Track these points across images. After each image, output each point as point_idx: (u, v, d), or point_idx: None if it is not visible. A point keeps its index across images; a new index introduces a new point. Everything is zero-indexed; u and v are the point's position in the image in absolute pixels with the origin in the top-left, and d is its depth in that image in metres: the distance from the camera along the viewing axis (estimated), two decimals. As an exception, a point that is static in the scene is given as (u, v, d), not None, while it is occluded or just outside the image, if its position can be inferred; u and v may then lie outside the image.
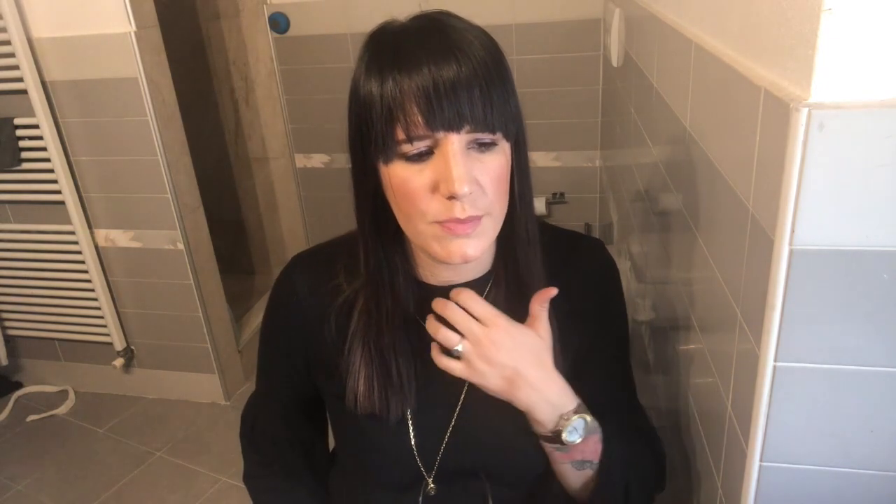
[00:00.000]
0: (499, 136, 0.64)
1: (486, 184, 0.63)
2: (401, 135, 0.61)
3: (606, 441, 0.74)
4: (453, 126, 0.60)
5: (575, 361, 0.78)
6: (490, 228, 0.67)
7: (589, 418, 0.71)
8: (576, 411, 0.71)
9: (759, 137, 0.57)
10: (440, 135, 0.61)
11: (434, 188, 0.62)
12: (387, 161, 0.64)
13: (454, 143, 0.61)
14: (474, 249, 0.65)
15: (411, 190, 0.63)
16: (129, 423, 2.30)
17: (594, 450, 0.74)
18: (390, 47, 0.63)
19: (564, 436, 0.70)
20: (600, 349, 0.82)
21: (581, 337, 0.79)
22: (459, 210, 0.62)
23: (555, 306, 0.73)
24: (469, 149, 0.63)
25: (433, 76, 0.59)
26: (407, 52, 0.61)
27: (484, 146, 0.63)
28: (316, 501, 0.91)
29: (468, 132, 0.61)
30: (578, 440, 0.71)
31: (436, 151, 0.62)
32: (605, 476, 0.74)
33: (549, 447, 0.73)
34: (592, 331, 0.81)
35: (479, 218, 0.64)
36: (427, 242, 0.66)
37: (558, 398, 0.71)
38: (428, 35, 0.63)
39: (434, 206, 0.63)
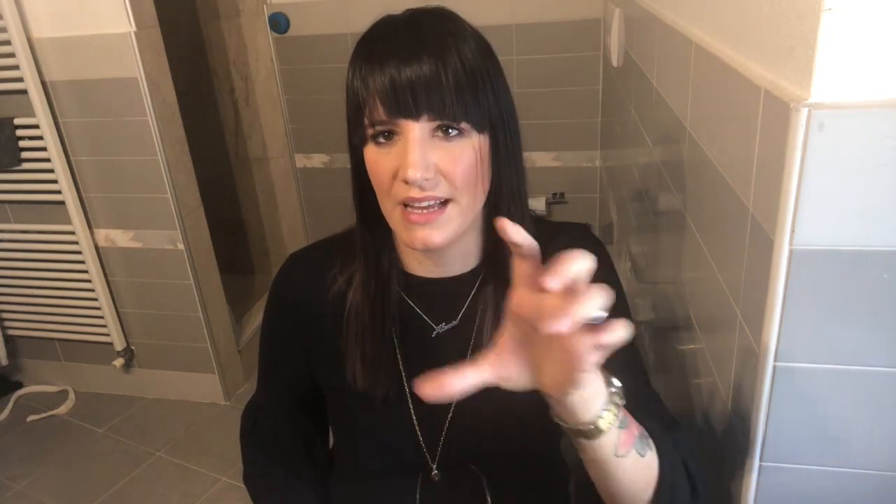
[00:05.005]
0: (465, 126, 0.65)
1: (449, 171, 0.65)
2: (366, 120, 0.65)
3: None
4: (411, 114, 0.63)
5: None
6: (456, 217, 0.67)
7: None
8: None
9: (759, 137, 0.57)
10: (400, 122, 0.63)
11: (397, 172, 0.65)
12: (362, 144, 0.68)
13: (413, 130, 0.63)
14: (438, 238, 0.66)
15: (379, 172, 0.66)
16: (129, 423, 2.30)
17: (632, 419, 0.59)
18: (367, 40, 0.67)
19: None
20: None
21: None
22: (416, 191, 0.64)
23: None
24: (434, 136, 0.65)
25: (395, 66, 0.62)
26: (377, 44, 0.65)
27: (450, 134, 0.65)
28: (317, 501, 0.91)
29: (429, 120, 0.63)
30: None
31: (399, 136, 0.65)
32: (665, 455, 0.61)
33: (610, 436, 0.55)
34: None
35: (442, 206, 0.65)
36: (396, 226, 0.69)
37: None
38: (402, 28, 0.66)
39: (396, 189, 0.65)
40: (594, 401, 0.53)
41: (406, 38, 0.64)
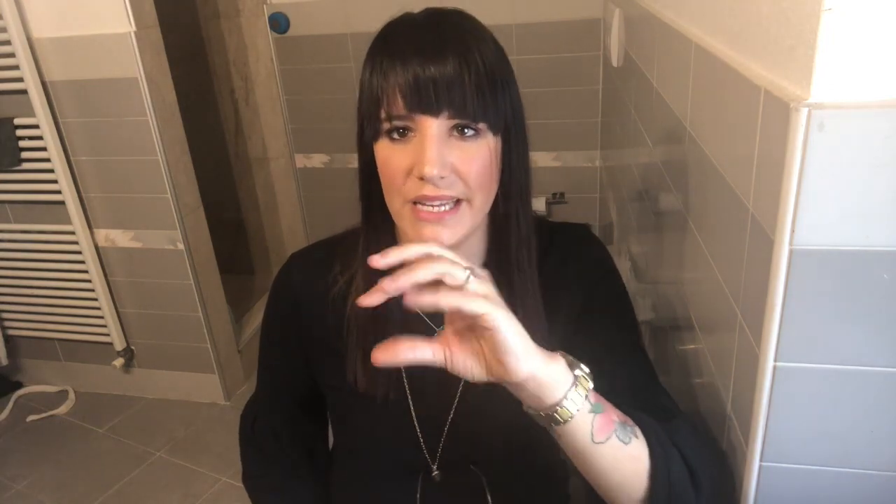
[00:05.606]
0: (482, 126, 0.65)
1: (464, 171, 0.64)
2: (383, 114, 0.64)
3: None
4: (431, 110, 0.62)
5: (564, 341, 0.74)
6: (467, 217, 0.67)
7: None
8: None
9: (759, 137, 0.57)
10: (419, 117, 0.63)
11: (411, 169, 0.64)
12: (375, 139, 0.67)
13: (431, 126, 0.63)
14: (448, 237, 0.66)
15: (392, 168, 0.65)
16: (129, 423, 2.30)
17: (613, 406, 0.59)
18: (387, 37, 0.67)
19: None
20: (600, 331, 0.75)
21: (569, 320, 0.76)
22: (429, 189, 0.63)
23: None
24: (451, 136, 0.64)
25: (419, 63, 0.62)
26: (399, 40, 0.65)
27: (466, 134, 0.64)
28: (316, 500, 0.91)
29: (448, 118, 0.63)
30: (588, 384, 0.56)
31: (416, 133, 0.64)
32: (656, 444, 0.60)
33: (583, 422, 0.55)
34: (582, 307, 0.76)
35: (455, 206, 0.65)
36: (403, 224, 0.68)
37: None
38: (424, 27, 0.66)
39: (408, 186, 0.65)
40: (556, 385, 0.54)
41: (429, 36, 0.64)
